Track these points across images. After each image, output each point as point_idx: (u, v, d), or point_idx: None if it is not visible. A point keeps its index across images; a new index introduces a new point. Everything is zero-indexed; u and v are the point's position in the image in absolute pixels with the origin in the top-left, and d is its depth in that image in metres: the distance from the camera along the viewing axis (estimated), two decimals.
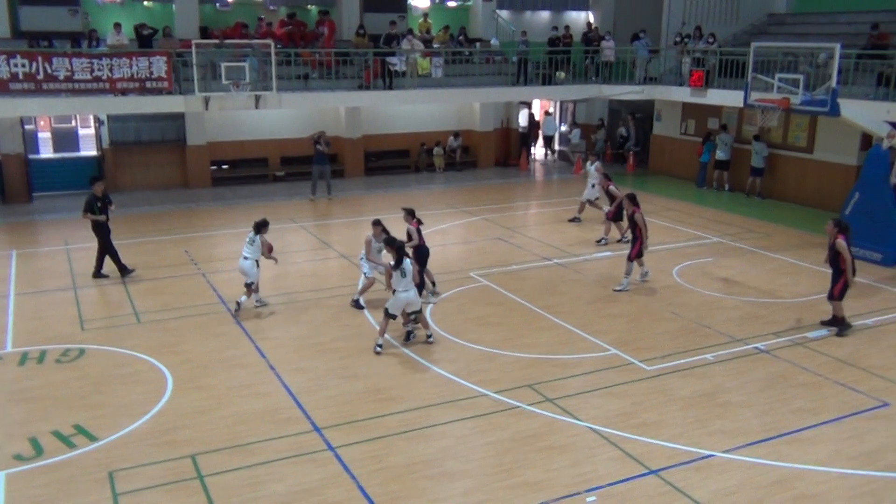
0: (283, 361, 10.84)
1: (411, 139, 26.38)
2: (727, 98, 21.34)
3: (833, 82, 15.26)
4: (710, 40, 22.94)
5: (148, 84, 18.84)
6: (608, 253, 16.14)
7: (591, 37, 25.56)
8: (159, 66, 18.88)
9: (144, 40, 20.43)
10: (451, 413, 9.39)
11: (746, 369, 10.73)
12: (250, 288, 12.62)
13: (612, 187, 17.40)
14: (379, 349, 11.07)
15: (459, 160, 26.64)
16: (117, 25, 20.31)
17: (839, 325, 12.02)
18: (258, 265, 12.63)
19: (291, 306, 13.07)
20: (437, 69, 23.37)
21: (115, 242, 14.64)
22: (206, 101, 19.24)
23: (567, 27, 26.14)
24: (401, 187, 23.27)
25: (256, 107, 19.89)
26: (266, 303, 13.02)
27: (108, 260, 14.40)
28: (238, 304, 12.58)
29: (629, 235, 16.51)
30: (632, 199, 13.95)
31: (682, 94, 23.12)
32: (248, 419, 9.22)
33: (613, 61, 24.85)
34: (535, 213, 20.87)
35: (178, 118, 22.68)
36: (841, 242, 11.73)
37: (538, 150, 29.70)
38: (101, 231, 14.18)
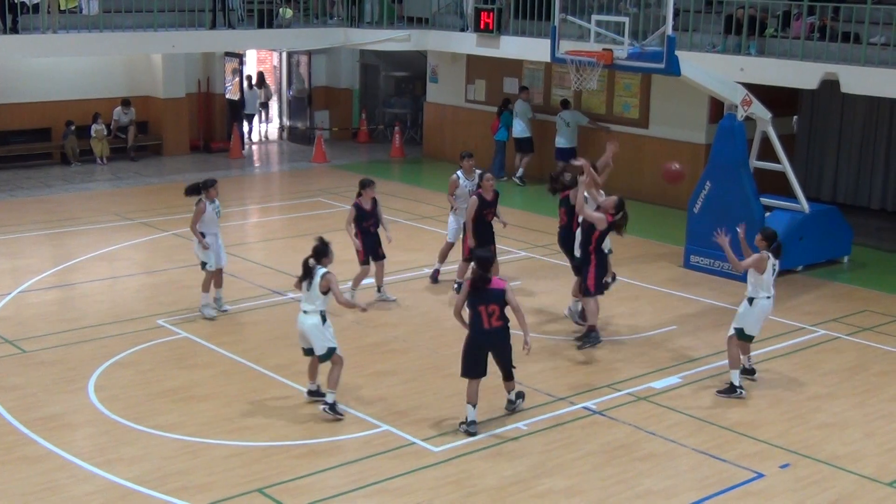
0: None
1: (53, 112, 25.64)
2: (528, 49, 22.51)
3: (669, 28, 16.47)
4: None
5: None
6: (370, 280, 16.34)
7: None
8: None
9: None
10: None
11: (574, 440, 11.28)
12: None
13: None
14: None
15: (133, 144, 26.20)
16: None
17: None
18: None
19: None
20: (92, 3, 22.91)
21: None
22: None
23: None
24: (37, 189, 22.43)
25: None
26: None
27: None
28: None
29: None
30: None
31: (467, 44, 24.07)
32: None
33: None
34: (259, 223, 20.78)
35: None
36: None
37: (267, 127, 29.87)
38: None
